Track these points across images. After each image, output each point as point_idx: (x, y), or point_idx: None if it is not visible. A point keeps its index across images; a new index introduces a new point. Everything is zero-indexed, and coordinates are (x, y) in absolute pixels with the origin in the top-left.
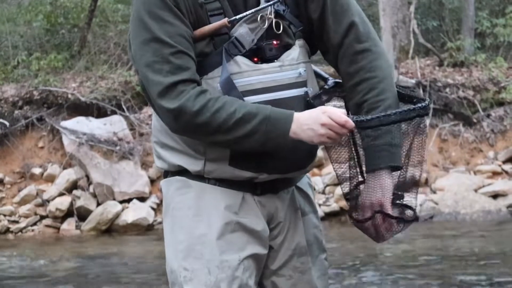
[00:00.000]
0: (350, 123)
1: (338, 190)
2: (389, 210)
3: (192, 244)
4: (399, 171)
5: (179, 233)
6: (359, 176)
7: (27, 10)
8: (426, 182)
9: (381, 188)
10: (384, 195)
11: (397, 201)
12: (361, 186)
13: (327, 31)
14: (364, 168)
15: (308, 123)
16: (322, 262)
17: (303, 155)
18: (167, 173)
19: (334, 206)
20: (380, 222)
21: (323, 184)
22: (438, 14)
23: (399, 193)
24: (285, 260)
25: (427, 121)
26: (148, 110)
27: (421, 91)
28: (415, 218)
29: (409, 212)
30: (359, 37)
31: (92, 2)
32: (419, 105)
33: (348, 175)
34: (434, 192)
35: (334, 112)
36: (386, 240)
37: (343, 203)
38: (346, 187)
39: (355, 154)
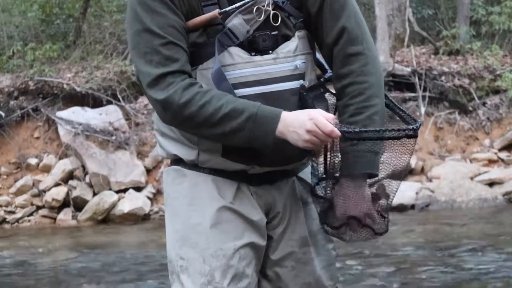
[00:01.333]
0: (336, 133)
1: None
2: (375, 220)
3: (187, 233)
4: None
5: (176, 222)
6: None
7: (22, 1)
8: (422, 170)
9: (363, 199)
10: (368, 207)
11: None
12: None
13: (323, 28)
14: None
15: (294, 126)
16: (328, 252)
17: (297, 149)
18: (170, 162)
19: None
20: (353, 227)
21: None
22: (434, 2)
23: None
24: (286, 251)
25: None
26: (144, 100)
27: (416, 79)
28: (386, 231)
29: (381, 224)
30: (354, 39)
31: None
32: (411, 126)
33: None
34: (430, 180)
35: (321, 120)
36: (351, 242)
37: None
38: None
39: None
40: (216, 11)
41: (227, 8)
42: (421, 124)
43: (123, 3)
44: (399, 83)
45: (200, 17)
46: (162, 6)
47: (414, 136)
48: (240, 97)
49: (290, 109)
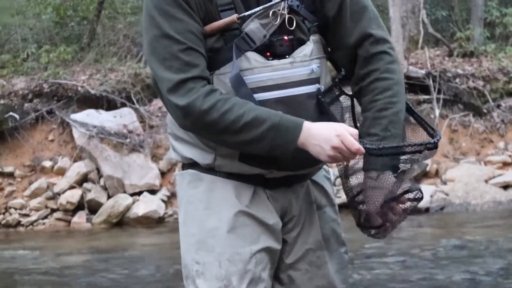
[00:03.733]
0: (361, 151)
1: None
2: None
3: (203, 237)
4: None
5: (191, 226)
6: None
7: (36, 3)
8: (437, 173)
9: (388, 184)
10: (393, 191)
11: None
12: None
13: (343, 30)
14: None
15: (319, 140)
16: (341, 255)
17: None
18: (183, 165)
19: (344, 197)
20: (390, 215)
21: (333, 175)
22: (448, 4)
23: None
24: (300, 254)
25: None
26: (158, 103)
27: (431, 81)
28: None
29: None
30: (378, 39)
31: None
32: (432, 141)
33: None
34: (444, 183)
35: (348, 138)
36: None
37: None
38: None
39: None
40: (234, 16)
41: (246, 13)
42: (440, 137)
43: (137, 5)
44: (413, 85)
45: (218, 22)
46: (180, 11)
47: (435, 148)
48: (258, 101)
49: (308, 113)
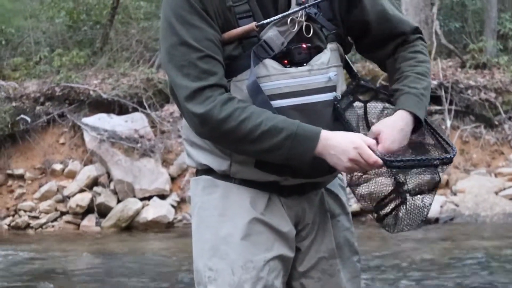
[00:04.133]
0: (379, 163)
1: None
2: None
3: (217, 244)
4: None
5: (205, 232)
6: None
7: (50, 7)
8: (447, 184)
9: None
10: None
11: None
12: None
13: (372, 32)
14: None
15: (336, 151)
16: (353, 264)
17: None
18: (197, 171)
19: (354, 206)
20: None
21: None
22: (461, 16)
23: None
24: (313, 262)
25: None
26: (170, 108)
27: (443, 92)
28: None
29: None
30: (412, 30)
31: None
32: (448, 156)
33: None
34: (454, 194)
35: (366, 151)
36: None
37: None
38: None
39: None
40: (253, 24)
41: (265, 21)
42: (455, 152)
43: (150, 11)
44: None
45: (236, 29)
46: (198, 19)
47: (450, 163)
48: (275, 108)
49: (323, 121)
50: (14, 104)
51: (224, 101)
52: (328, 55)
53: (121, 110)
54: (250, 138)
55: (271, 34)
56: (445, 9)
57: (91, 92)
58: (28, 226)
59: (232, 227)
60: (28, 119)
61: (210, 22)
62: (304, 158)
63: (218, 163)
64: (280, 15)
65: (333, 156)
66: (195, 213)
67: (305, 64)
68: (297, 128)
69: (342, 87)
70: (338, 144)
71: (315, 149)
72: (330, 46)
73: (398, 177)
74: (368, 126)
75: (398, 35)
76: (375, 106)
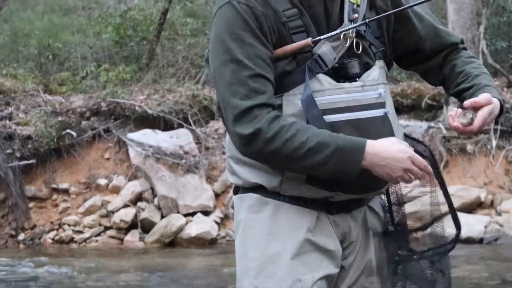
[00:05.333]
0: (429, 169)
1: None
2: None
3: (264, 262)
4: None
5: (251, 251)
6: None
7: (97, 22)
8: (492, 204)
9: None
10: None
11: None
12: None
13: (426, 45)
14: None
15: (388, 162)
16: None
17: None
18: (237, 188)
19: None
20: None
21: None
22: (508, 35)
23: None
24: (354, 280)
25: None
26: (215, 125)
27: None
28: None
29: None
30: (459, 41)
31: (161, 15)
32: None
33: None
34: (499, 214)
35: (417, 157)
36: None
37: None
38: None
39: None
40: (309, 40)
41: (322, 37)
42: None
43: (197, 27)
44: None
45: (291, 45)
46: (252, 36)
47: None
48: (330, 123)
49: (375, 136)
50: (60, 118)
51: (271, 120)
52: (377, 72)
53: (166, 126)
54: (296, 156)
55: (325, 49)
56: (492, 29)
57: (137, 108)
58: (72, 240)
59: (280, 247)
60: (74, 134)
61: (263, 40)
62: (351, 172)
63: (268, 180)
64: (337, 31)
65: (384, 167)
66: (240, 231)
67: (357, 79)
68: (344, 142)
69: (391, 104)
70: (389, 154)
71: (363, 161)
72: (378, 63)
73: None
74: None
75: (449, 46)
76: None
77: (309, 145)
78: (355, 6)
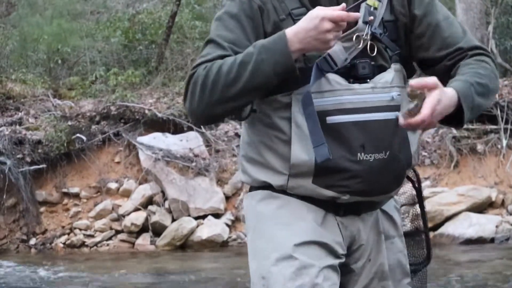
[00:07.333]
0: (352, 16)
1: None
2: None
3: (270, 252)
4: None
5: (260, 242)
6: None
7: (106, 26)
8: (503, 204)
9: None
10: None
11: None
12: None
13: (441, 41)
14: None
15: (309, 34)
16: (404, 287)
17: (389, 179)
18: (252, 188)
19: (408, 226)
20: None
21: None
22: None
23: None
24: (366, 283)
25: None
26: (224, 127)
27: (498, 111)
28: None
29: None
30: (476, 47)
31: (169, 18)
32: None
33: None
34: (510, 213)
35: (329, 11)
36: None
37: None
38: None
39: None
40: None
41: None
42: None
43: (206, 30)
44: (481, 115)
45: None
46: (238, 26)
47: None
48: (335, 124)
49: (384, 139)
50: (70, 123)
51: (204, 67)
52: (392, 75)
53: (176, 129)
54: (232, 77)
55: (336, 49)
56: (501, 28)
57: (146, 111)
58: (83, 244)
59: (286, 235)
60: (84, 138)
61: (247, 32)
62: (287, 59)
63: (275, 178)
64: (348, 32)
65: (312, 40)
66: (251, 224)
67: (368, 81)
68: (262, 42)
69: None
70: (306, 26)
71: (289, 45)
72: (394, 66)
73: None
74: None
75: (468, 50)
76: None
77: (237, 62)
78: (371, 8)
